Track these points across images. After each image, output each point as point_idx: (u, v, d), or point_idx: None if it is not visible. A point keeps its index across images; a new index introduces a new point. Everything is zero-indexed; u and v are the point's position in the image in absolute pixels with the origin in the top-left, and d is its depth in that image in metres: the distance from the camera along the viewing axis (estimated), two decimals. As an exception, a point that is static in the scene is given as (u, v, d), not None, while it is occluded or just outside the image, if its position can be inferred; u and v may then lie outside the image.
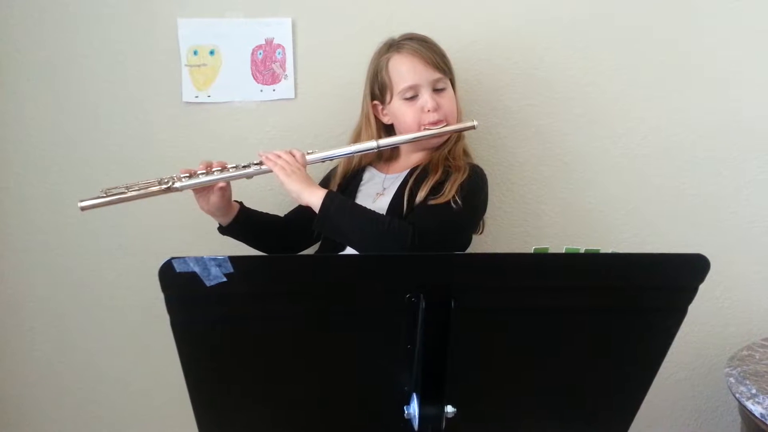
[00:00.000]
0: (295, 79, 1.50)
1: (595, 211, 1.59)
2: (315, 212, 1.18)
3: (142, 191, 1.21)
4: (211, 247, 1.47)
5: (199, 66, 1.49)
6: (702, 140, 1.56)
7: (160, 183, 1.22)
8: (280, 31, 1.49)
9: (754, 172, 1.58)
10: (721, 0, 1.51)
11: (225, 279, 0.73)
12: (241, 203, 1.35)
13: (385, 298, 0.78)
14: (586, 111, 1.54)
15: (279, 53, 1.50)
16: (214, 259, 0.72)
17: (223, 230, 1.35)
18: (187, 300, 0.75)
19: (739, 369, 1.37)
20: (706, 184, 1.58)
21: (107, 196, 1.20)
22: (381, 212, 1.22)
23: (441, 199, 1.19)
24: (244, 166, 1.25)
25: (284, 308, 0.78)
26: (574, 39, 1.52)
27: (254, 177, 1.27)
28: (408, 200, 1.23)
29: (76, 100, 1.49)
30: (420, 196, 1.22)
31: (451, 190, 1.19)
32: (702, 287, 0.80)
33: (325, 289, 0.78)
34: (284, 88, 1.51)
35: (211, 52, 1.49)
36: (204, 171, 1.24)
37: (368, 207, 1.22)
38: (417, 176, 1.27)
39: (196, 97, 1.50)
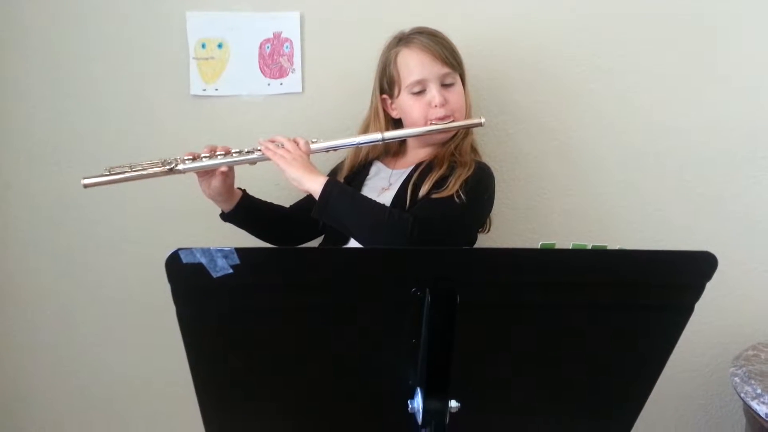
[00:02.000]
0: (303, 73, 1.50)
1: (602, 207, 1.58)
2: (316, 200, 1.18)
3: (145, 171, 1.22)
4: (217, 239, 1.48)
5: (207, 59, 1.49)
6: (710, 137, 1.55)
7: (163, 164, 1.23)
8: (288, 24, 1.48)
9: (763, 170, 1.57)
10: (736, 2, 1.50)
11: (231, 271, 0.73)
12: (243, 190, 1.35)
13: (390, 291, 0.78)
14: (594, 108, 1.54)
15: (287, 47, 1.50)
16: (221, 251, 0.72)
17: (224, 217, 1.35)
18: (194, 291, 0.76)
19: (744, 369, 1.37)
20: (713, 181, 1.57)
21: (110, 175, 1.21)
22: None
23: (444, 193, 1.19)
24: (248, 152, 1.25)
25: (289, 301, 0.78)
26: (583, 36, 1.51)
27: (261, 170, 1.27)
28: (411, 194, 1.23)
29: (84, 93, 1.49)
30: (424, 189, 1.22)
31: (455, 184, 1.19)
32: (708, 285, 0.80)
33: (331, 282, 0.78)
34: (292, 82, 1.51)
35: (219, 46, 1.49)
36: (208, 155, 1.24)
37: None
38: (422, 171, 1.26)
39: (204, 90, 1.50)
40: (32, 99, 1.49)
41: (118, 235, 1.55)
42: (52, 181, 1.52)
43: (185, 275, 0.73)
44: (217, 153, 1.25)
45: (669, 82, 1.53)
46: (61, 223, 1.54)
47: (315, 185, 1.18)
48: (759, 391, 1.28)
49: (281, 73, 1.51)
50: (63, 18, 1.46)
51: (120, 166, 1.22)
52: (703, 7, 1.51)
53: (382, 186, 1.33)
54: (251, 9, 1.48)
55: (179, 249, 0.72)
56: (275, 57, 1.50)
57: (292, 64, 1.50)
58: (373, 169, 1.39)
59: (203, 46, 1.49)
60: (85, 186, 1.21)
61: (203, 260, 0.72)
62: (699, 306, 0.81)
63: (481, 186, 1.24)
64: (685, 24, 1.51)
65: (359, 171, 1.39)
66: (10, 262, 1.56)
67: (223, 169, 1.25)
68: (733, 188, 1.58)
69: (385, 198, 1.27)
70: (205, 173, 1.26)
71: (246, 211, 1.34)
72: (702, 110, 1.54)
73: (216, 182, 1.26)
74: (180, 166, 1.23)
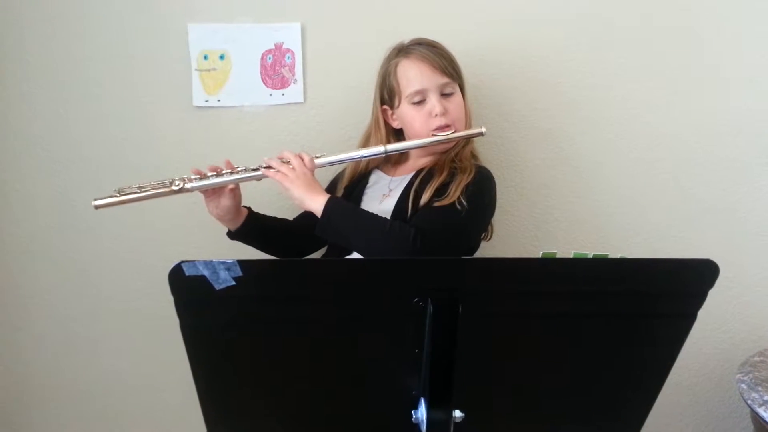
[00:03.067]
0: (304, 84, 1.51)
1: (604, 215, 1.58)
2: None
3: (154, 191, 1.24)
4: (220, 251, 1.48)
5: (209, 70, 1.50)
6: (710, 144, 1.55)
7: (171, 184, 1.24)
8: (289, 35, 1.49)
9: (765, 177, 1.57)
10: (732, 8, 1.50)
11: (234, 283, 0.73)
12: (249, 208, 1.36)
13: (392, 302, 0.78)
14: (595, 115, 1.54)
15: (288, 58, 1.50)
16: (224, 263, 0.72)
17: (232, 235, 1.36)
18: (196, 303, 0.76)
19: (750, 375, 1.36)
20: (715, 188, 1.57)
21: (120, 196, 1.23)
22: (386, 214, 1.22)
23: (446, 201, 1.19)
24: (254, 169, 1.26)
25: (292, 312, 0.78)
26: (582, 42, 1.51)
27: (264, 181, 1.27)
28: (413, 202, 1.23)
29: (87, 103, 1.50)
30: (425, 197, 1.22)
31: (456, 191, 1.19)
32: (712, 292, 0.80)
33: (334, 293, 0.78)
34: (293, 93, 1.52)
35: (221, 57, 1.50)
36: (214, 173, 1.26)
37: (374, 209, 1.22)
38: (422, 178, 1.27)
39: (206, 101, 1.51)
40: (35, 110, 1.50)
41: (122, 246, 1.55)
42: (55, 191, 1.53)
43: (188, 288, 0.74)
44: (223, 171, 1.26)
45: (669, 88, 1.53)
46: (65, 236, 1.54)
47: (316, 204, 1.19)
48: (766, 398, 1.27)
49: (283, 83, 1.52)
50: (66, 30, 1.47)
51: (129, 187, 1.24)
52: (702, 13, 1.51)
53: (382, 193, 1.33)
54: (253, 20, 1.49)
55: (182, 261, 0.72)
56: (277, 68, 1.51)
57: (293, 75, 1.51)
58: (372, 178, 1.39)
59: (205, 57, 1.50)
60: (96, 207, 1.23)
61: (206, 273, 0.72)
62: (704, 313, 0.81)
63: (482, 190, 1.24)
64: (686, 30, 1.51)
65: (359, 180, 1.39)
66: (15, 272, 1.56)
67: (231, 186, 1.26)
68: (735, 194, 1.57)
69: (387, 205, 1.27)
70: (213, 193, 1.27)
71: (252, 229, 1.35)
72: (703, 116, 1.54)
73: (225, 201, 1.27)
74: (188, 185, 1.25)
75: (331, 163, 1.29)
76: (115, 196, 1.23)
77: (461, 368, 0.78)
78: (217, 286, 0.73)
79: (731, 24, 1.51)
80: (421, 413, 0.81)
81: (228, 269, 0.72)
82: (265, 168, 1.24)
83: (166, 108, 1.51)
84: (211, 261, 0.72)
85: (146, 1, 1.47)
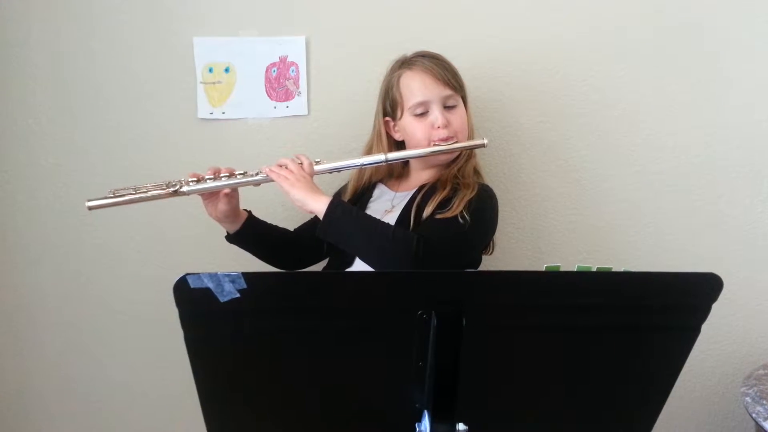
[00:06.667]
0: (308, 96, 1.52)
1: (607, 228, 1.58)
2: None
3: (149, 193, 1.23)
4: (228, 261, 1.48)
5: (214, 83, 1.51)
6: (714, 156, 1.55)
7: (167, 186, 1.24)
8: (293, 49, 1.51)
9: (768, 188, 1.57)
10: (735, 16, 1.51)
11: (238, 295, 0.73)
12: (249, 212, 1.36)
13: (396, 315, 0.78)
14: (598, 127, 1.54)
15: (292, 71, 1.52)
16: (228, 275, 0.72)
17: (230, 238, 1.36)
18: (201, 316, 0.76)
19: (755, 388, 1.35)
20: (720, 201, 1.57)
21: (115, 197, 1.22)
22: None
23: (448, 214, 1.19)
24: (252, 174, 1.26)
25: (296, 324, 0.79)
26: (586, 55, 1.52)
27: (266, 191, 1.28)
28: (415, 215, 1.23)
29: (92, 115, 1.52)
30: (427, 210, 1.22)
31: (459, 205, 1.19)
32: (717, 306, 0.80)
33: (338, 305, 0.78)
34: (297, 105, 1.53)
35: (226, 70, 1.51)
36: (212, 176, 1.26)
37: None
38: (425, 193, 1.27)
39: (211, 113, 1.52)
40: (42, 120, 1.51)
41: (127, 253, 1.56)
42: (60, 201, 1.54)
43: (193, 300, 0.74)
44: (222, 175, 1.26)
45: (672, 100, 1.54)
46: (69, 244, 1.55)
47: (319, 205, 1.18)
48: (770, 411, 1.27)
49: (287, 96, 1.53)
50: (73, 42, 1.49)
51: (124, 188, 1.23)
52: (707, 23, 1.51)
53: (385, 208, 1.33)
54: (258, 34, 1.50)
55: (187, 274, 0.72)
56: (281, 80, 1.52)
57: (297, 88, 1.52)
58: (376, 192, 1.39)
59: (210, 70, 1.51)
60: (90, 208, 1.21)
61: (210, 285, 0.72)
62: (708, 325, 0.81)
63: (484, 207, 1.24)
64: (690, 41, 1.52)
65: (362, 193, 1.39)
66: (18, 279, 1.57)
67: (227, 191, 1.27)
68: (739, 206, 1.57)
69: (389, 220, 1.26)
70: (210, 195, 1.28)
71: (251, 233, 1.35)
72: (707, 128, 1.55)
73: (222, 204, 1.28)
74: (184, 188, 1.24)
75: (331, 170, 1.30)
76: (109, 197, 1.21)
77: (465, 381, 0.79)
78: (222, 299, 0.73)
79: (737, 34, 1.52)
80: (425, 426, 0.81)
81: (233, 282, 0.72)
82: (268, 171, 1.24)
83: (171, 120, 1.52)
84: (216, 273, 0.72)
85: (152, 14, 1.49)
